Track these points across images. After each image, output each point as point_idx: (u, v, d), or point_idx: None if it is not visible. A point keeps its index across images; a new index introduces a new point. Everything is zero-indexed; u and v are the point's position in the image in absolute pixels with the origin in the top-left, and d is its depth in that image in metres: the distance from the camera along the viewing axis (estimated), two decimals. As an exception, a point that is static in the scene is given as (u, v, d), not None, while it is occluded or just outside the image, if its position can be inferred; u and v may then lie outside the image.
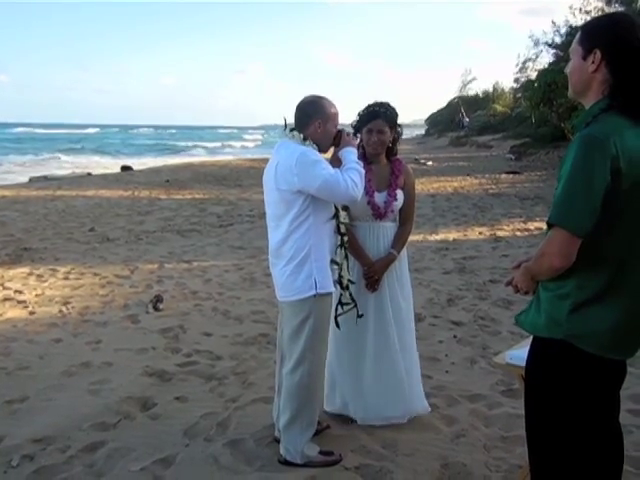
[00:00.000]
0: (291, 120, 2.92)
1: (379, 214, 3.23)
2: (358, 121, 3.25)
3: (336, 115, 2.91)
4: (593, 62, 1.82)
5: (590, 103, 1.86)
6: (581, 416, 1.87)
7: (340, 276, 2.97)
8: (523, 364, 2.06)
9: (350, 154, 2.91)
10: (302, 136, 2.82)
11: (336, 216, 2.91)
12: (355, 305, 3.05)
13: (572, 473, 1.92)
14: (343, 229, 2.95)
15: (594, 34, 1.84)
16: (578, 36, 1.90)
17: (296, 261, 2.80)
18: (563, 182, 1.73)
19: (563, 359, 1.84)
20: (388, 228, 3.30)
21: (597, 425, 1.91)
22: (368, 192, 3.17)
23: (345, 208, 3.02)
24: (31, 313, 5.49)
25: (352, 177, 2.78)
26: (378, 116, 3.17)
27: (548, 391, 1.90)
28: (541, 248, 1.81)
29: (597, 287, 1.79)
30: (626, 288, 1.81)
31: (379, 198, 3.22)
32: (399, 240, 3.30)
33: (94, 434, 3.29)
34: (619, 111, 1.77)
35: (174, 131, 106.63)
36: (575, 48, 1.88)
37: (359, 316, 3.08)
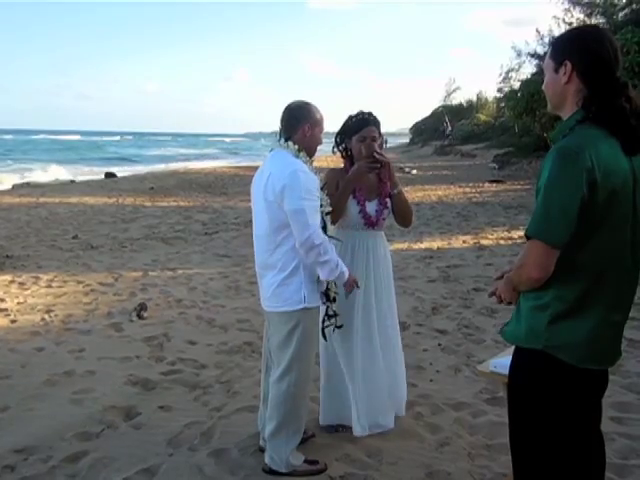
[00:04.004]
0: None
1: (371, 223, 3.23)
2: (347, 129, 3.23)
3: (322, 120, 2.94)
4: (565, 73, 1.85)
5: (567, 115, 1.89)
6: (563, 425, 1.88)
7: (327, 289, 2.96)
8: (507, 372, 2.07)
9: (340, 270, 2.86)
10: (297, 147, 2.82)
11: (324, 229, 2.88)
12: (336, 316, 3.05)
13: (555, 481, 1.93)
14: (330, 242, 2.93)
15: (564, 46, 1.88)
16: (550, 51, 1.94)
17: (286, 272, 2.80)
18: (540, 194, 1.76)
19: (544, 369, 1.86)
20: (378, 237, 3.30)
21: (579, 433, 1.92)
22: (359, 201, 3.18)
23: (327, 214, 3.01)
24: (13, 321, 5.43)
25: (327, 245, 2.76)
26: (369, 123, 3.17)
27: (530, 401, 1.92)
28: (520, 259, 1.84)
29: (575, 298, 1.81)
30: (603, 299, 1.83)
31: (370, 207, 3.22)
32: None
33: (77, 444, 3.25)
34: (594, 122, 1.79)
35: (191, 138, 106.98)
36: (547, 63, 1.92)
37: (338, 327, 3.07)
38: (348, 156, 3.28)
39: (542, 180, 1.76)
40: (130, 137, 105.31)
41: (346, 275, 2.90)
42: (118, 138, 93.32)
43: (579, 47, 1.84)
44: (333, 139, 3.33)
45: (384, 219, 3.28)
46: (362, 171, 3.13)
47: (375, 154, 3.12)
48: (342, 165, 3.34)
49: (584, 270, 1.80)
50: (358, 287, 3.06)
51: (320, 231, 2.75)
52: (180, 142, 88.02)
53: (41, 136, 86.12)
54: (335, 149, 3.33)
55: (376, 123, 3.20)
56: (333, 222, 3.06)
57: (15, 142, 65.28)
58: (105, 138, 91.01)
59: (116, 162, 37.90)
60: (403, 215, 3.34)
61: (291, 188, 2.69)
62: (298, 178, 2.70)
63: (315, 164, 2.96)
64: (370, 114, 3.21)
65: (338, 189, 3.14)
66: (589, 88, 1.82)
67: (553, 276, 1.78)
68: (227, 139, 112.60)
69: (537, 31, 25.58)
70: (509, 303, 2.01)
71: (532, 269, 1.78)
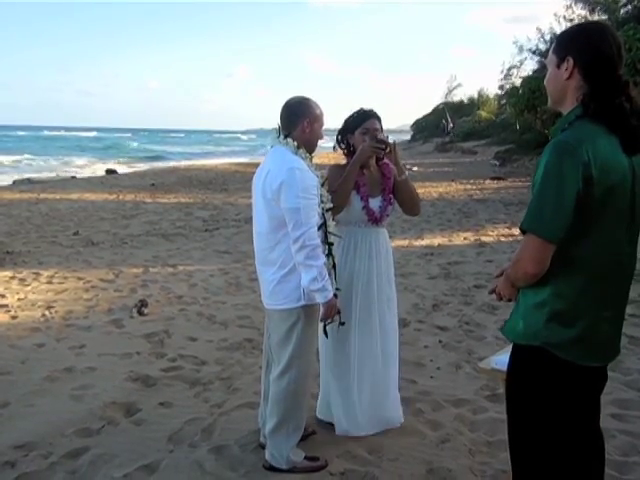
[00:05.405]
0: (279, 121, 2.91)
1: (374, 219, 3.21)
2: (348, 125, 3.22)
3: (322, 115, 2.92)
4: (567, 69, 1.84)
5: (567, 110, 1.88)
6: (562, 421, 1.88)
7: None
8: (507, 369, 2.07)
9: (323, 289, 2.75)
10: (296, 144, 2.81)
11: (324, 225, 2.86)
12: (338, 313, 3.03)
13: (554, 478, 1.93)
14: (331, 238, 2.92)
15: (566, 42, 1.88)
16: (553, 46, 1.94)
17: (285, 269, 2.79)
18: (536, 188, 1.75)
19: (542, 366, 1.85)
20: (380, 233, 3.29)
21: (578, 430, 1.92)
22: (363, 197, 3.17)
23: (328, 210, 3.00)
24: (13, 317, 5.43)
25: (319, 252, 2.72)
26: (372, 116, 3.18)
27: (528, 397, 1.91)
28: (516, 254, 1.83)
29: (572, 295, 1.80)
30: (600, 296, 1.82)
31: (374, 203, 3.20)
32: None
33: (77, 440, 3.25)
34: (593, 118, 1.79)
35: (206, 135, 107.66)
36: (550, 58, 1.93)
37: (341, 324, 3.05)
38: (350, 152, 3.26)
39: (538, 173, 1.75)
40: (141, 134, 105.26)
41: (330, 295, 2.76)
42: (130, 135, 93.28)
43: (581, 43, 1.83)
44: (335, 136, 3.31)
45: (387, 215, 3.27)
46: (367, 152, 3.11)
47: (379, 136, 3.11)
48: (344, 162, 3.32)
49: (581, 267, 1.80)
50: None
51: (315, 233, 2.71)
52: (194, 139, 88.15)
53: (60, 133, 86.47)
54: (336, 146, 3.32)
55: (377, 117, 3.20)
56: (339, 209, 3.04)
57: (36, 138, 65.52)
58: (116, 135, 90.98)
59: (155, 159, 38.43)
60: (411, 203, 3.31)
61: (288, 186, 2.67)
62: (295, 176, 2.68)
63: (316, 161, 2.94)
64: (371, 110, 3.21)
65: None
66: (590, 85, 1.82)
67: (551, 273, 1.77)
68: (244, 136, 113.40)
69: (538, 29, 25.55)
70: (509, 300, 2.01)
71: (527, 264, 1.77)
